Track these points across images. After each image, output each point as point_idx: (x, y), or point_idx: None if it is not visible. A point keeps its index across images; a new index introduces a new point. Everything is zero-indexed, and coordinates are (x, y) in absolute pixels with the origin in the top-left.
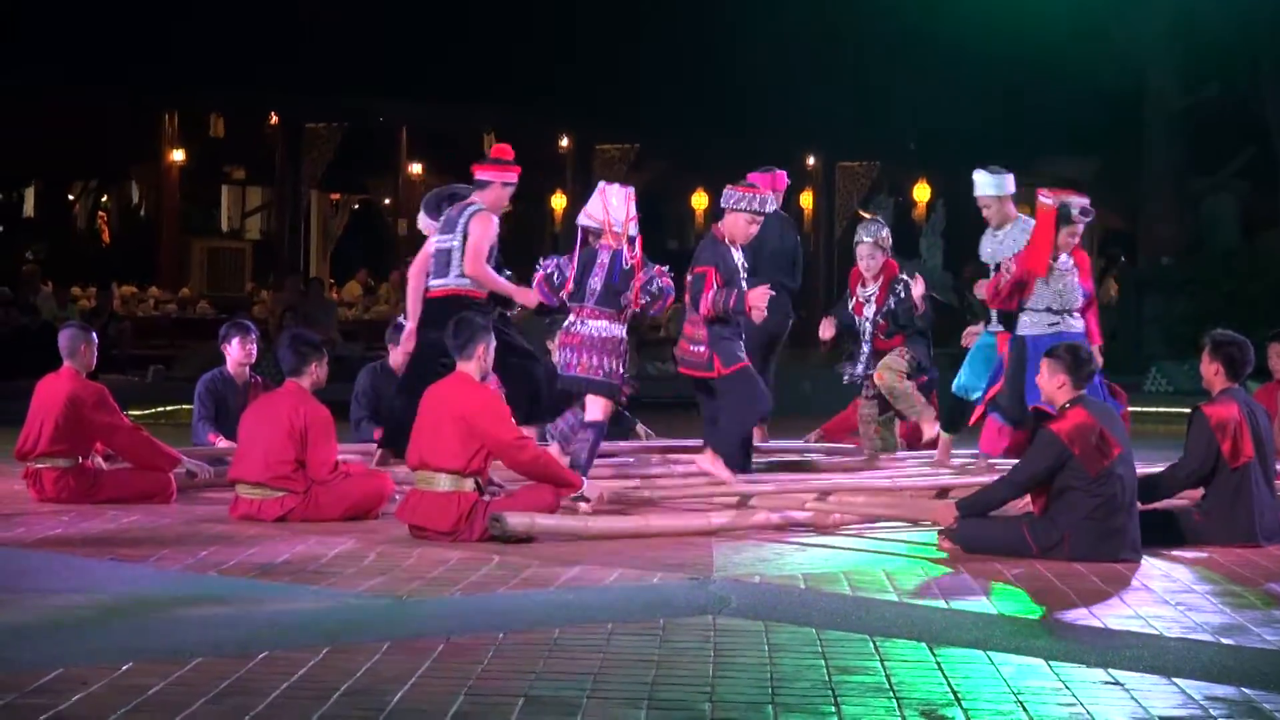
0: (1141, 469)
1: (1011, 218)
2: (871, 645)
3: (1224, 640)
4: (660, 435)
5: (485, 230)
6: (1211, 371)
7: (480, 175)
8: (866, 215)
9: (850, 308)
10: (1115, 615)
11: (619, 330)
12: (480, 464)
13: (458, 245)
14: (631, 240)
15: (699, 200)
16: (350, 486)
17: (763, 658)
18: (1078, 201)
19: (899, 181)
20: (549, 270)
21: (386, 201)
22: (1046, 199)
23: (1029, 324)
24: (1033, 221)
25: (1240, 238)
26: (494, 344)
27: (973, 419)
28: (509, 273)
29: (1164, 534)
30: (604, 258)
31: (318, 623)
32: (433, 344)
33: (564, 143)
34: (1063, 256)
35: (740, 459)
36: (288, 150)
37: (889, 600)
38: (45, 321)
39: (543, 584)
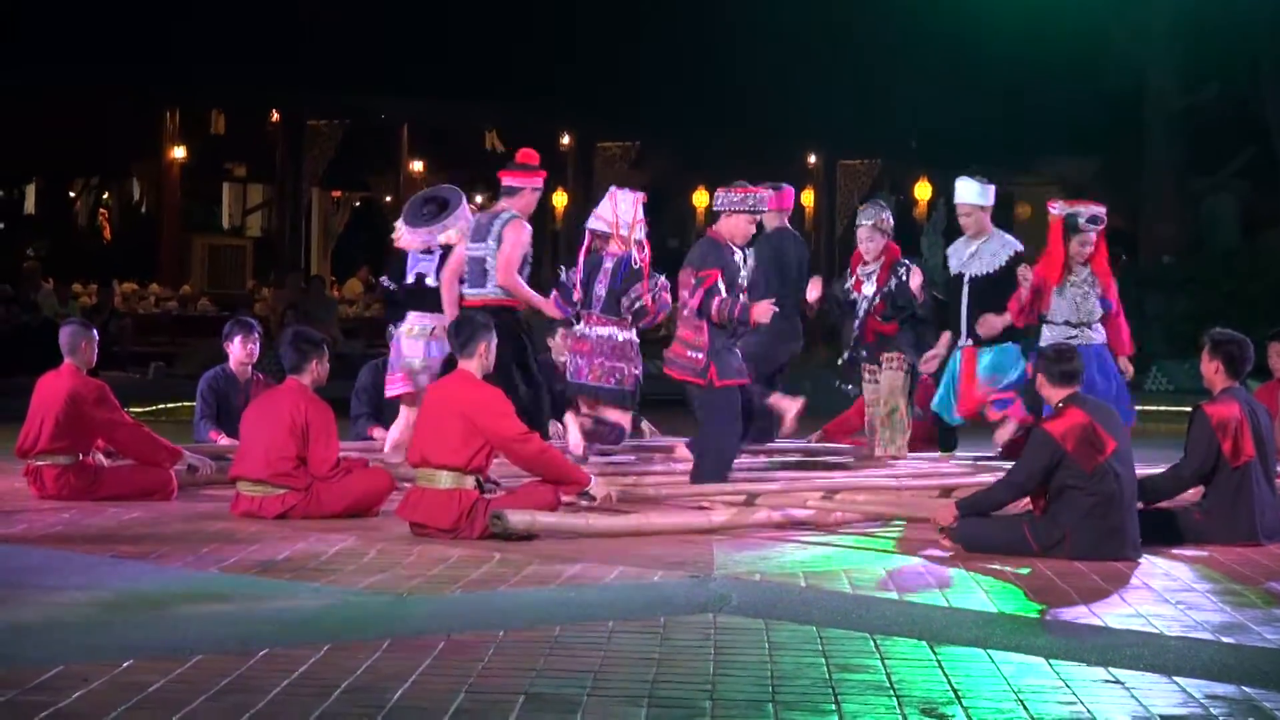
0: (1142, 469)
1: (988, 230)
2: (872, 643)
3: (1224, 639)
4: (663, 433)
5: (518, 238)
6: (1212, 370)
7: (510, 182)
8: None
9: (849, 284)
10: (1116, 614)
11: (628, 334)
12: (482, 461)
13: (492, 254)
14: (639, 244)
15: (700, 198)
16: (351, 484)
17: (763, 655)
18: (1086, 210)
19: (900, 180)
20: (562, 280)
21: (388, 199)
22: (1055, 209)
23: (1048, 336)
24: (1009, 237)
25: (1240, 237)
26: (495, 342)
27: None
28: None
29: (1164, 533)
30: (609, 264)
31: (318, 620)
32: None
33: (565, 140)
34: (1079, 268)
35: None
36: (289, 147)
37: (889, 598)
38: (46, 318)
39: (543, 582)
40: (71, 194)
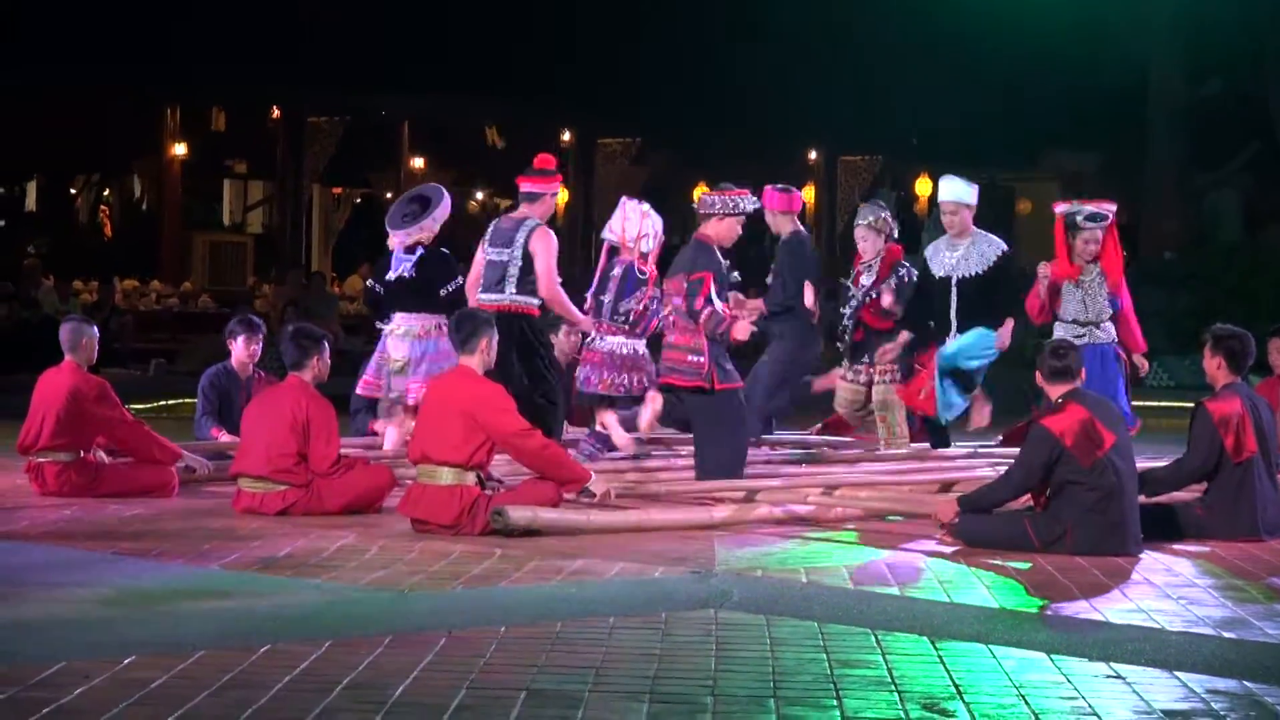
0: (1144, 464)
1: (970, 230)
2: (873, 639)
3: (1226, 634)
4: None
5: (550, 248)
6: (1214, 366)
7: (529, 188)
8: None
9: (850, 280)
10: (1117, 609)
11: (637, 344)
12: (483, 457)
13: (515, 261)
14: (644, 256)
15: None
16: (352, 480)
17: (764, 651)
18: (1085, 208)
19: (901, 176)
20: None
21: (388, 196)
22: (1058, 209)
23: (1059, 334)
24: (994, 237)
25: (1243, 232)
26: (496, 338)
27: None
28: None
29: (1166, 528)
30: (617, 273)
31: (320, 616)
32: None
33: (566, 137)
34: (1088, 266)
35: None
36: (289, 144)
37: (890, 594)
38: (47, 316)
39: (545, 578)
40: (72, 191)
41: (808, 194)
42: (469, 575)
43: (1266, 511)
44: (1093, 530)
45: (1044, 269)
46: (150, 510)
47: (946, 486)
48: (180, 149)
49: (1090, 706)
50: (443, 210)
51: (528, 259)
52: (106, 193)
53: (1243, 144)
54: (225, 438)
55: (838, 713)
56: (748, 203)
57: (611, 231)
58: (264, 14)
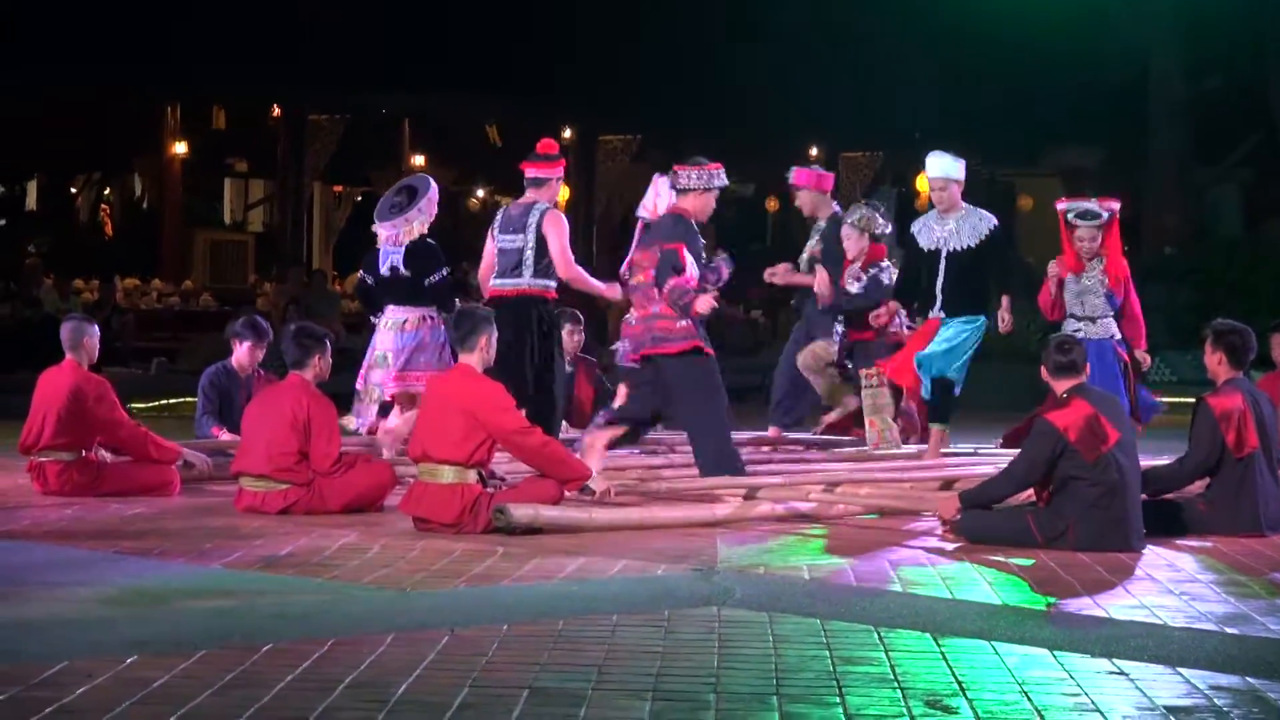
0: (1146, 461)
1: (959, 205)
2: (876, 636)
3: (1228, 630)
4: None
5: (563, 230)
6: (1215, 361)
7: (535, 173)
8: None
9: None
10: (1119, 605)
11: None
12: (483, 455)
13: (530, 245)
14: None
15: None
16: (353, 479)
17: (767, 649)
18: (1080, 205)
19: (902, 172)
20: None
21: None
22: (1059, 205)
23: (1065, 329)
24: (984, 211)
25: (1244, 227)
26: (495, 335)
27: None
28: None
29: (1168, 524)
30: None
31: (322, 615)
32: (505, 345)
33: (567, 134)
34: (1091, 263)
35: (733, 460)
36: (290, 142)
37: (893, 591)
38: (48, 314)
39: (547, 576)
40: (73, 190)
41: None
42: (471, 573)
43: (1269, 507)
44: (1095, 526)
45: (1053, 268)
46: (152, 509)
47: (947, 484)
48: (181, 147)
49: (1093, 703)
50: (429, 200)
51: (541, 243)
52: (107, 191)
53: (1243, 138)
54: (226, 436)
55: (840, 710)
56: (722, 177)
57: (645, 209)
58: (265, 12)
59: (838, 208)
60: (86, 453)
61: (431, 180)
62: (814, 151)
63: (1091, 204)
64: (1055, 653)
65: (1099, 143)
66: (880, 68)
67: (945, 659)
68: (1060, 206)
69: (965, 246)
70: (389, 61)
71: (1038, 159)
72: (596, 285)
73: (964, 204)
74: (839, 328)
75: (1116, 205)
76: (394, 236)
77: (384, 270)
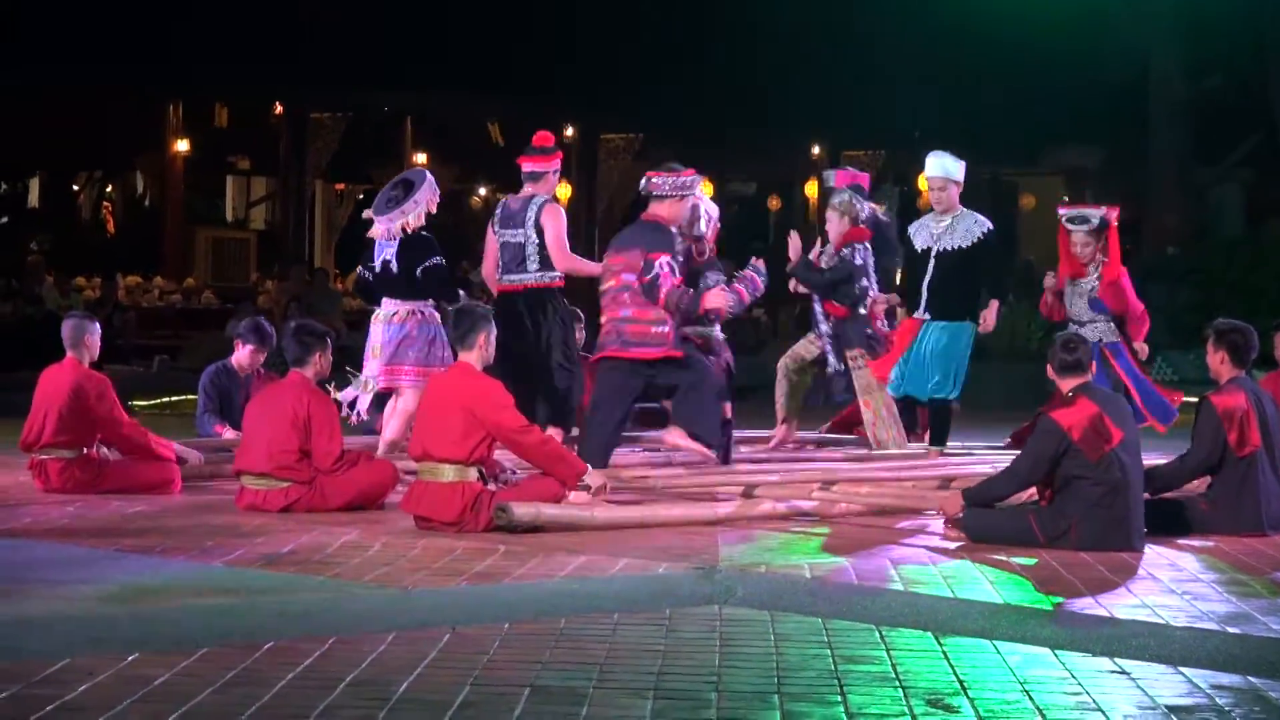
0: (1148, 459)
1: (957, 206)
2: (877, 634)
3: (1230, 629)
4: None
5: (560, 222)
6: (1217, 360)
7: (532, 167)
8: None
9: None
10: (1121, 604)
11: (711, 330)
12: (483, 453)
13: (532, 239)
14: (698, 239)
15: (704, 189)
16: (355, 477)
17: (769, 647)
18: (1067, 211)
19: (904, 170)
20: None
21: None
22: (1060, 211)
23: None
24: (980, 216)
25: (1245, 226)
26: (495, 333)
27: None
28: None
29: (1170, 523)
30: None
31: (323, 613)
32: (506, 341)
33: (568, 132)
34: (1088, 268)
35: (722, 439)
36: (292, 140)
37: (895, 589)
38: (49, 312)
39: (548, 574)
40: (75, 188)
41: (811, 188)
42: (472, 572)
43: (1271, 506)
44: (1097, 526)
45: (1049, 280)
46: (153, 507)
47: (945, 482)
48: (183, 145)
49: (1095, 702)
50: (425, 192)
51: (541, 236)
52: (109, 189)
53: (1244, 137)
54: (229, 434)
55: (842, 709)
56: (696, 184)
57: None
58: (266, 10)
59: (873, 206)
60: (88, 450)
61: (428, 174)
62: (815, 150)
63: (1085, 210)
64: (1057, 652)
65: (1100, 142)
66: (881, 67)
67: (947, 658)
68: (1061, 212)
69: (956, 247)
70: (390, 59)
71: (1038, 159)
72: (595, 268)
73: (961, 206)
74: (824, 327)
75: (1100, 210)
76: (389, 231)
77: (378, 264)
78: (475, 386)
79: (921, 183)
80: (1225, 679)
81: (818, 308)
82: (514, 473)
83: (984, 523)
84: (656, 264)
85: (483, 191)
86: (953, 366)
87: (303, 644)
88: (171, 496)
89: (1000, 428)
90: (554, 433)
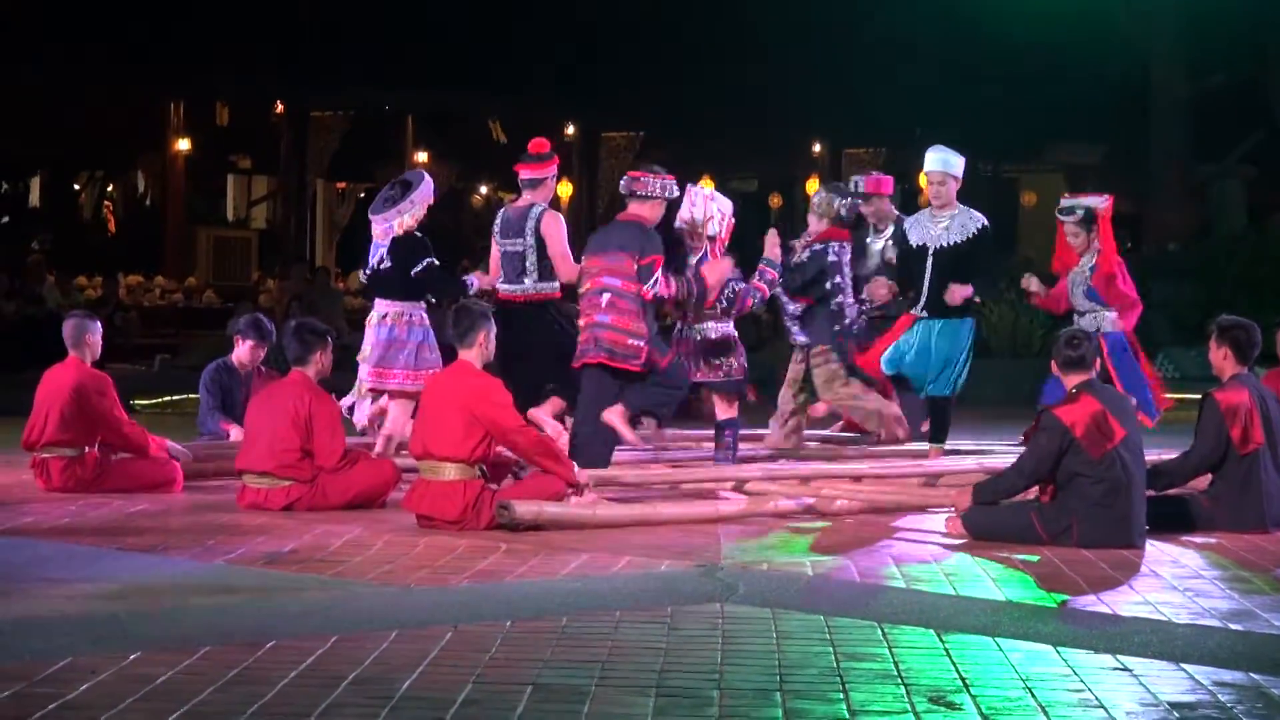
0: (1151, 456)
1: (954, 203)
2: (879, 632)
3: (1232, 626)
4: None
5: (561, 231)
6: (1220, 357)
7: (529, 174)
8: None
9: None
10: (1123, 601)
11: (726, 327)
12: (484, 451)
13: (531, 248)
14: (712, 239)
15: (705, 186)
16: (356, 475)
17: (771, 645)
18: (1063, 202)
19: (905, 168)
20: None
21: None
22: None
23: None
24: (976, 212)
25: (1247, 223)
26: (494, 331)
27: None
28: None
29: (1173, 520)
30: (692, 260)
31: (325, 611)
32: (508, 349)
33: (570, 131)
34: (1084, 258)
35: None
36: (293, 139)
37: (897, 587)
38: (51, 311)
39: (550, 572)
40: (76, 187)
41: (812, 186)
42: (474, 570)
43: (1273, 503)
44: (1099, 523)
45: (1029, 284)
46: (155, 506)
47: (929, 480)
48: (184, 144)
49: (1097, 699)
50: (422, 192)
51: (541, 245)
52: (110, 188)
53: (1245, 134)
54: (236, 432)
55: (844, 706)
56: (675, 188)
57: (683, 221)
58: (266, 8)
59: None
60: (90, 449)
61: (427, 175)
62: (817, 148)
63: (1074, 200)
64: (1059, 649)
65: (1101, 139)
66: (882, 64)
67: (949, 655)
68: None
69: (953, 243)
70: (391, 58)
71: (1040, 155)
72: None
73: (958, 203)
74: (799, 337)
75: (1099, 200)
76: (385, 230)
77: (372, 265)
78: (475, 385)
79: (921, 180)
80: (1227, 676)
81: (784, 298)
82: (524, 467)
83: (986, 520)
84: (656, 274)
85: (484, 190)
86: (953, 364)
87: (305, 642)
88: (173, 495)
89: (1002, 425)
90: (553, 427)
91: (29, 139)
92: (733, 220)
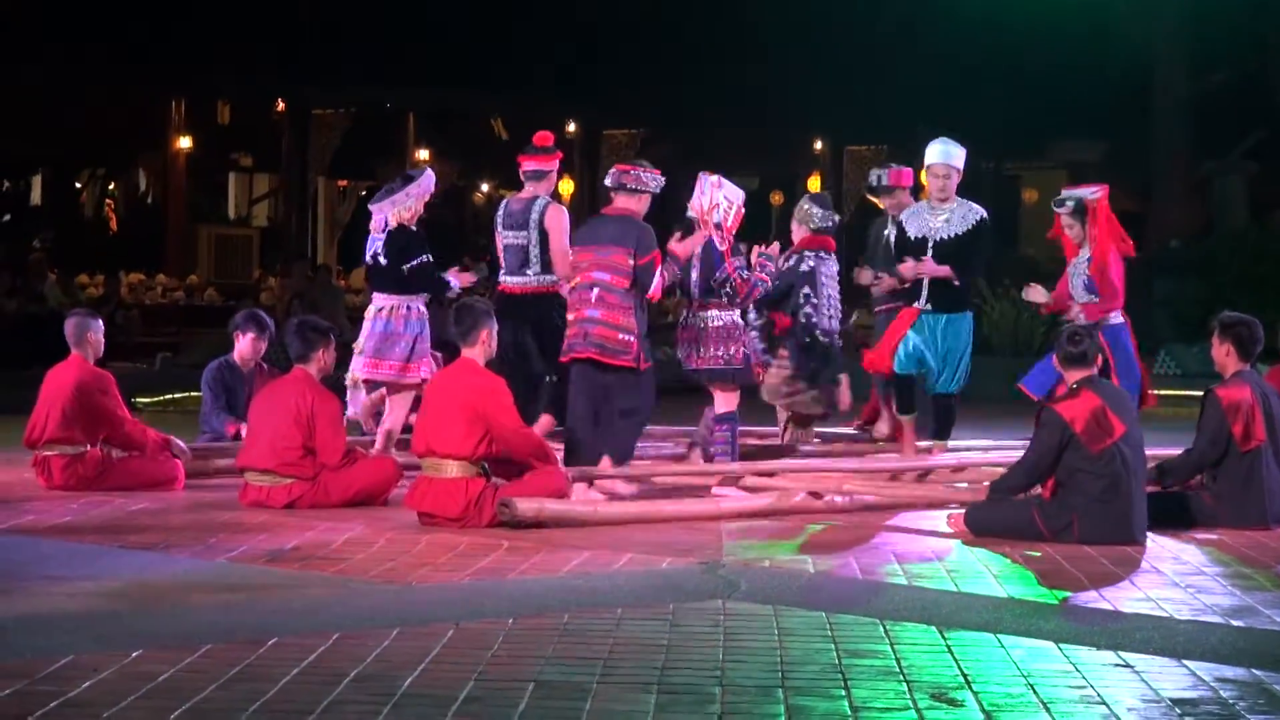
0: (1152, 452)
1: (954, 197)
2: (881, 629)
3: (1234, 622)
4: (669, 421)
5: (563, 225)
6: (1222, 353)
7: (532, 166)
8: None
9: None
10: (1125, 597)
11: (731, 316)
12: (486, 449)
13: (534, 242)
14: (718, 226)
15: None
16: (358, 473)
17: (772, 642)
18: (1060, 194)
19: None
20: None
21: None
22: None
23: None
24: (974, 204)
25: (1249, 219)
26: (496, 328)
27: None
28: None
29: (1174, 516)
30: (698, 250)
31: (327, 609)
32: (511, 343)
33: (571, 128)
34: (1081, 249)
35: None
36: (294, 137)
37: (898, 584)
38: (52, 309)
39: (552, 569)
40: (78, 185)
41: (813, 184)
42: (476, 567)
43: (1275, 500)
44: (1099, 520)
45: (1034, 295)
46: (157, 504)
47: (923, 475)
48: (185, 142)
49: (1099, 695)
50: (421, 186)
51: (544, 238)
52: (112, 186)
53: (1248, 131)
54: (243, 430)
55: (846, 703)
56: (661, 183)
57: (693, 210)
58: (267, 7)
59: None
60: (91, 447)
61: (430, 171)
62: (818, 146)
63: (1066, 192)
64: (1061, 645)
65: (1103, 136)
66: (884, 61)
67: (951, 652)
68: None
69: (953, 236)
70: (392, 55)
71: (1042, 152)
72: None
73: (958, 198)
74: (751, 315)
75: (1090, 191)
76: (379, 222)
77: (369, 257)
78: (478, 383)
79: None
80: (1229, 672)
81: (751, 312)
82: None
83: (987, 516)
84: (657, 273)
85: (485, 187)
86: (956, 360)
87: (307, 640)
88: (174, 493)
89: (1004, 421)
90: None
91: (30, 137)
92: (742, 209)
